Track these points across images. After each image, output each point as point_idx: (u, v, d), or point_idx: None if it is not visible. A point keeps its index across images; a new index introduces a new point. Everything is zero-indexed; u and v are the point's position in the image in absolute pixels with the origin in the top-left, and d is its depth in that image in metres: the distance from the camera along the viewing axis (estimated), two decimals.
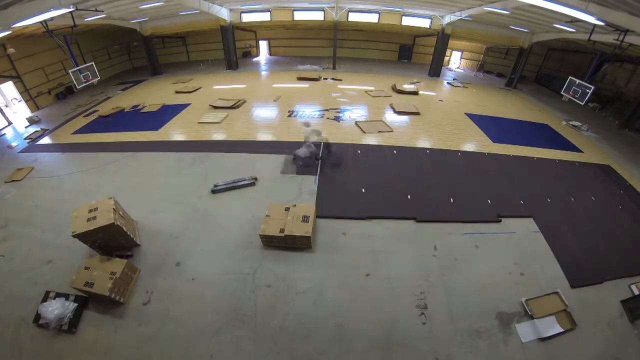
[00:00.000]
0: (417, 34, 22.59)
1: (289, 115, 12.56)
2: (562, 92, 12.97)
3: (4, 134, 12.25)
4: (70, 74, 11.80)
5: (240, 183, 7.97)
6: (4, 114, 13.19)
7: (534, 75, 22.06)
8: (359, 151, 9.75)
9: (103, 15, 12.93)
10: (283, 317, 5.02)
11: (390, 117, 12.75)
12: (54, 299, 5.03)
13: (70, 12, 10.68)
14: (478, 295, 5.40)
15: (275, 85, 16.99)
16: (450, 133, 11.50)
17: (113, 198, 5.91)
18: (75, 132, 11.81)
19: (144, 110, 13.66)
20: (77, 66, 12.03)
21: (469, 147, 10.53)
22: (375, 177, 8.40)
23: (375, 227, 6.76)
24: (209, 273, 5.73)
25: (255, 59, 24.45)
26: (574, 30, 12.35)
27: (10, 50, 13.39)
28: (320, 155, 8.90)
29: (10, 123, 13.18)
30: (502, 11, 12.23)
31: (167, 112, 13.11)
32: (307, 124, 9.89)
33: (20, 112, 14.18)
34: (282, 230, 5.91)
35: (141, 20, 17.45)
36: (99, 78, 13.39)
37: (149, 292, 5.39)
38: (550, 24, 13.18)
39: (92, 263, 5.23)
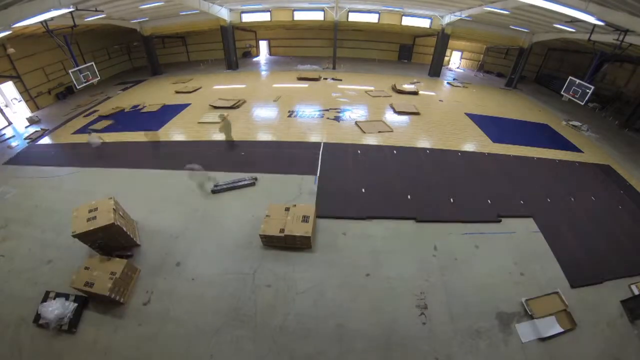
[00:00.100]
0: (417, 34, 22.59)
1: (289, 116, 12.57)
2: (562, 92, 12.97)
3: (4, 134, 12.25)
4: (70, 74, 11.81)
5: (240, 183, 7.97)
6: (4, 114, 13.19)
7: (534, 75, 22.05)
8: (359, 151, 9.75)
9: (103, 15, 12.94)
10: (283, 317, 5.02)
11: (390, 117, 12.75)
12: (54, 299, 5.03)
13: (70, 12, 10.70)
14: (478, 295, 5.40)
15: (275, 85, 16.98)
16: (450, 133, 11.49)
17: (113, 198, 5.92)
18: (75, 132, 11.80)
19: (144, 110, 13.67)
20: (77, 66, 12.03)
21: (469, 147, 10.52)
22: (375, 177, 8.40)
23: (375, 227, 6.76)
24: (209, 273, 5.73)
25: (255, 59, 24.44)
26: (574, 30, 12.35)
27: (10, 50, 13.39)
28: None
29: (10, 123, 13.19)
30: (502, 11, 12.23)
31: (167, 112, 13.12)
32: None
33: (20, 112, 14.18)
34: (282, 230, 5.92)
35: (141, 20, 17.45)
36: (99, 78, 13.40)
37: (149, 292, 5.39)
38: (550, 24, 13.18)
39: (92, 263, 5.23)
